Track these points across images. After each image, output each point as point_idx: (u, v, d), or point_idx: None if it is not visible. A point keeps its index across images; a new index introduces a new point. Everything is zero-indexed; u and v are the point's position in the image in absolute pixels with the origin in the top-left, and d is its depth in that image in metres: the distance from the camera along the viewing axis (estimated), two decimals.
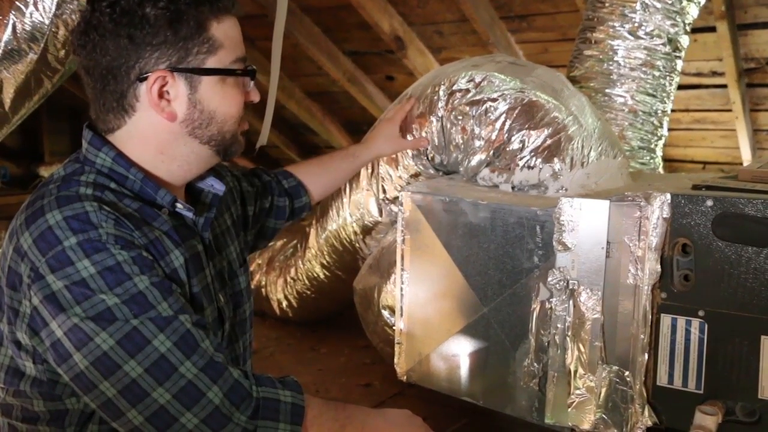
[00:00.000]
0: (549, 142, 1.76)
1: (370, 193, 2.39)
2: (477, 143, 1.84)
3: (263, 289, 3.58)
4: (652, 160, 2.63)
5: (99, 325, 1.05)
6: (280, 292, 3.51)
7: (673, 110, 2.73)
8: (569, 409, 1.51)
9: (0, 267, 1.15)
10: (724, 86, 3.63)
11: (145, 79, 1.15)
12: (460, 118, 1.87)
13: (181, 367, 1.08)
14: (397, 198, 2.08)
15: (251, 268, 3.43)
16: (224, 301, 1.32)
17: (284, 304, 3.54)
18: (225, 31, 1.19)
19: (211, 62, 1.18)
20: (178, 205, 1.22)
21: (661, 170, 2.72)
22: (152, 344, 1.07)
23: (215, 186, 1.33)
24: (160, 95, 1.16)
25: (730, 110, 3.74)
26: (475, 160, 1.85)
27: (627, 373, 1.45)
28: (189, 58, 1.16)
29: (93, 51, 1.15)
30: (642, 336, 1.43)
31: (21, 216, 1.13)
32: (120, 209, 1.13)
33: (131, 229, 1.12)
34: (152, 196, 1.20)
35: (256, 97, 1.28)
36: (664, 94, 2.60)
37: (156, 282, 1.10)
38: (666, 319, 1.42)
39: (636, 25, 2.52)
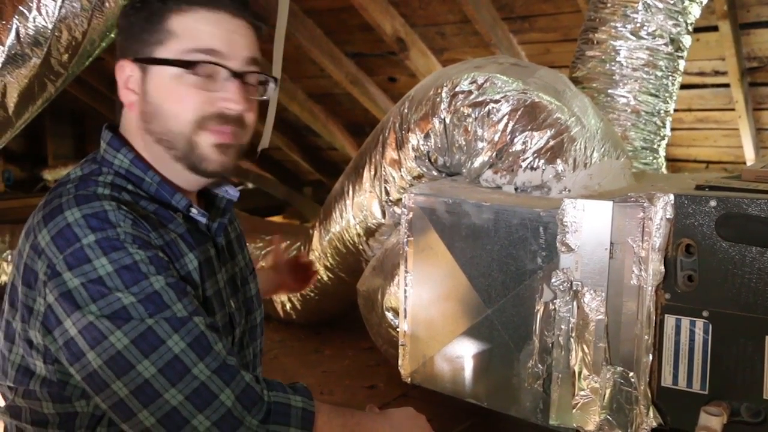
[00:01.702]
0: (552, 143, 1.76)
1: (373, 195, 2.39)
2: (480, 145, 1.85)
3: None
4: (655, 161, 2.63)
5: (114, 323, 1.05)
6: (283, 294, 3.51)
7: (675, 110, 2.73)
8: (574, 411, 1.51)
9: (15, 265, 1.16)
10: (727, 85, 3.62)
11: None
12: (462, 119, 1.88)
13: (195, 368, 1.08)
14: (400, 200, 2.08)
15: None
16: (235, 307, 1.32)
17: (288, 306, 3.54)
18: (186, 23, 1.17)
19: (158, 52, 1.17)
20: (193, 210, 1.23)
21: (664, 170, 2.72)
22: (166, 344, 1.07)
23: (230, 192, 1.33)
24: (127, 86, 1.20)
25: (732, 109, 3.73)
26: (477, 162, 1.86)
27: (631, 374, 1.45)
28: (144, 48, 1.18)
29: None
30: (646, 337, 1.43)
31: (38, 214, 1.14)
32: (137, 210, 1.14)
33: (148, 230, 1.12)
34: (168, 199, 1.21)
35: (233, 105, 1.18)
36: (666, 94, 2.60)
37: (172, 282, 1.10)
38: (670, 320, 1.42)
39: (638, 25, 2.52)
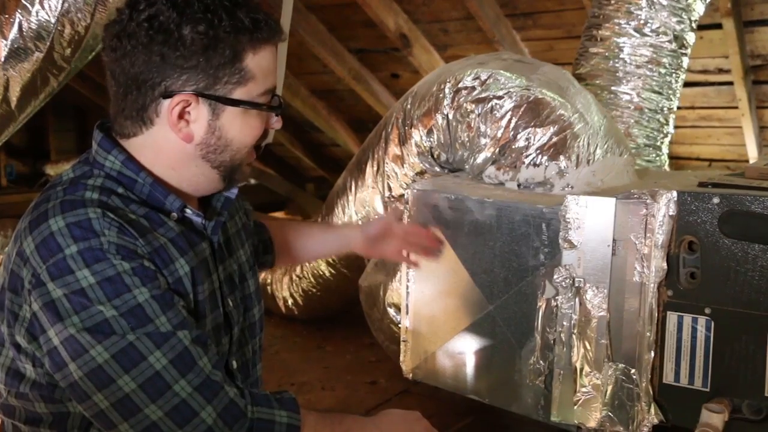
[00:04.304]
0: (555, 139, 1.76)
1: (375, 190, 2.39)
2: (483, 141, 1.84)
3: (269, 287, 3.58)
4: (658, 158, 2.63)
5: (95, 337, 1.05)
6: (285, 290, 3.52)
7: (679, 107, 2.72)
8: (575, 407, 1.51)
9: (4, 268, 1.15)
10: (731, 83, 3.62)
11: (169, 97, 1.13)
12: (465, 115, 1.87)
13: (176, 385, 1.07)
14: (402, 195, 2.08)
15: None
16: (233, 305, 1.30)
17: (290, 302, 3.54)
18: (259, 62, 1.16)
19: (239, 93, 1.15)
20: (187, 210, 1.21)
21: (667, 168, 2.71)
22: (147, 360, 1.06)
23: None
24: (180, 116, 1.15)
25: (736, 107, 3.73)
26: (480, 158, 1.85)
27: (633, 370, 1.45)
28: (217, 86, 1.14)
29: (122, 58, 1.13)
30: (648, 334, 1.43)
31: (26, 219, 1.13)
32: (125, 216, 1.12)
33: (135, 237, 1.10)
34: (161, 201, 1.18)
35: (279, 124, 1.25)
36: (670, 92, 2.60)
37: (156, 295, 1.09)
38: (672, 317, 1.42)
39: (642, 22, 2.52)
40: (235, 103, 1.16)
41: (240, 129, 1.18)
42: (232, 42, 1.12)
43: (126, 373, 1.05)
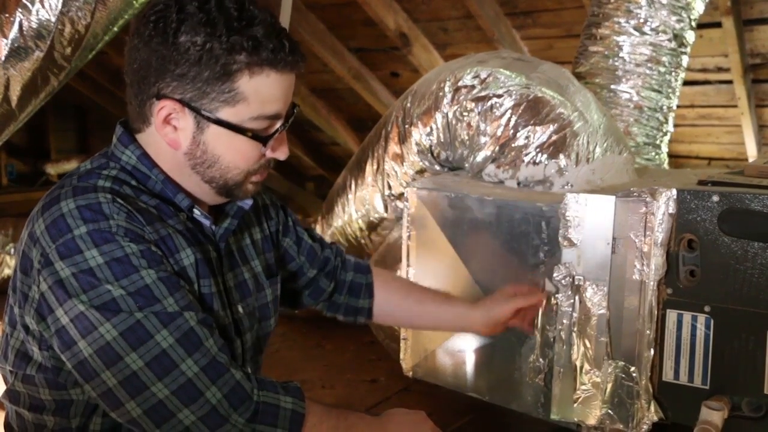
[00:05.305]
0: (554, 138, 1.76)
1: (375, 189, 2.40)
2: (482, 139, 1.85)
3: None
4: (657, 156, 2.63)
5: (104, 315, 1.07)
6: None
7: (678, 106, 2.73)
8: (575, 405, 1.51)
9: (17, 251, 1.18)
10: (730, 82, 3.62)
11: (159, 99, 1.15)
12: (465, 114, 1.88)
13: (183, 364, 1.09)
14: (402, 194, 2.08)
15: None
16: (244, 312, 1.31)
17: None
18: (256, 85, 1.14)
19: (226, 113, 1.14)
20: (195, 211, 1.23)
21: (666, 166, 2.72)
22: (154, 339, 1.08)
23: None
24: (167, 121, 1.16)
25: (735, 106, 3.73)
26: (480, 156, 1.86)
27: (633, 368, 1.45)
28: (204, 100, 1.14)
29: (130, 52, 1.16)
30: (648, 331, 1.43)
31: (40, 203, 1.16)
32: (135, 204, 1.15)
33: (142, 224, 1.13)
34: (171, 198, 1.21)
35: (281, 155, 1.24)
36: (669, 90, 2.60)
37: (163, 277, 1.11)
38: (672, 315, 1.42)
39: (641, 20, 2.52)
40: (218, 122, 1.15)
41: (227, 149, 1.18)
42: (226, 60, 1.11)
43: (133, 351, 1.07)
